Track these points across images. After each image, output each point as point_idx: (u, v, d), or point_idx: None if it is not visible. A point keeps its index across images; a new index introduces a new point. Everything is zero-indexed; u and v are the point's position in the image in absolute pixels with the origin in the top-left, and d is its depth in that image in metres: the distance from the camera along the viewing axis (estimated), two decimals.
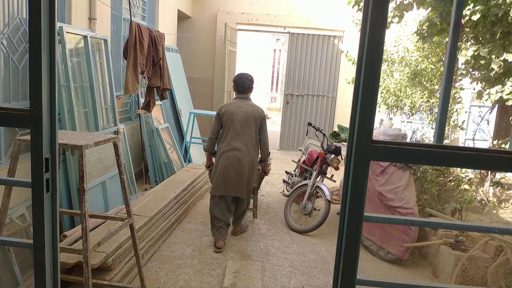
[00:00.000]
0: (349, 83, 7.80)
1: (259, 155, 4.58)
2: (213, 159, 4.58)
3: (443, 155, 1.17)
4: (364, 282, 1.33)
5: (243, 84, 4.42)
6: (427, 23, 4.58)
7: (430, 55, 6.19)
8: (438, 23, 4.48)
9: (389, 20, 4.95)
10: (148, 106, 5.73)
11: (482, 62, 4.26)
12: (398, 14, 4.85)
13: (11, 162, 2.29)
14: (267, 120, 4.76)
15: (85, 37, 4.38)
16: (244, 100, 4.43)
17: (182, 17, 9.11)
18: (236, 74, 4.93)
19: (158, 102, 6.44)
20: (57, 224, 1.42)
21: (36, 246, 1.39)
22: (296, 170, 6.29)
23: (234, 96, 4.61)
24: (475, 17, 4.04)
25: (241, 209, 4.61)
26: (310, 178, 5.43)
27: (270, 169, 5.32)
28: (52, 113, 1.36)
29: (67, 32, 4.04)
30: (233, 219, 4.65)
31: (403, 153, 1.19)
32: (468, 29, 4.55)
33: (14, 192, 2.48)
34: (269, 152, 4.63)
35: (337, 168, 5.32)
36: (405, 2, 4.90)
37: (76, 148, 2.25)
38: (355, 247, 1.27)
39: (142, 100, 6.13)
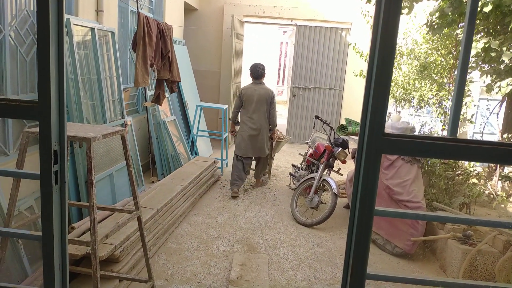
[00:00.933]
0: (356, 76, 7.73)
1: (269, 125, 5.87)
2: (236, 127, 6.10)
3: (457, 148, 1.15)
4: (374, 276, 1.31)
5: (257, 72, 5.70)
6: (438, 13, 4.50)
7: (439, 48, 6.10)
8: (450, 14, 4.41)
9: None
10: (158, 99, 5.73)
11: (493, 54, 4.20)
12: (408, 6, 4.79)
13: (19, 154, 2.30)
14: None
15: (92, 29, 4.37)
16: (258, 84, 5.72)
17: (188, 9, 9.07)
18: (250, 64, 5.95)
19: (166, 95, 6.43)
20: (66, 216, 1.42)
21: (45, 238, 1.39)
22: (303, 163, 6.27)
23: (251, 81, 5.85)
24: (486, 9, 3.97)
25: (261, 165, 6.11)
26: (316, 172, 5.42)
27: (276, 136, 6.55)
28: (61, 105, 1.35)
29: (74, 24, 4.03)
30: (254, 174, 6.28)
31: (416, 146, 1.17)
32: (478, 21, 4.48)
33: (22, 184, 2.49)
34: (276, 124, 5.96)
35: (344, 162, 5.30)
36: None
37: (84, 140, 2.25)
38: (365, 242, 1.26)
39: (149, 93, 6.13)
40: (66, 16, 3.98)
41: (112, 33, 4.85)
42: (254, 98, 5.58)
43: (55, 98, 1.32)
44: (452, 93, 5.79)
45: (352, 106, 9.72)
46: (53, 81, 1.31)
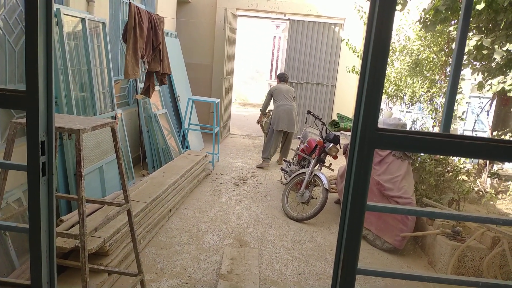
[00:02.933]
0: (349, 71, 7.73)
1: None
2: (263, 117, 7.89)
3: (450, 144, 1.14)
4: (365, 271, 1.31)
5: (283, 78, 7.67)
6: (432, 11, 4.51)
7: (432, 45, 6.12)
8: (443, 11, 4.42)
9: None
10: (147, 92, 5.67)
11: (485, 52, 4.22)
12: (401, 2, 4.78)
13: (7, 145, 2.26)
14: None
15: (83, 19, 4.31)
16: (284, 84, 7.60)
17: (181, 2, 8.99)
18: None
19: (156, 88, 6.38)
20: (54, 209, 1.40)
21: (32, 231, 1.36)
22: (294, 158, 6.27)
23: (277, 83, 7.75)
24: (479, 6, 3.99)
25: (288, 142, 7.56)
26: (308, 167, 5.42)
27: None
28: (49, 95, 1.32)
29: (64, 14, 3.96)
30: (281, 151, 7.64)
31: (409, 141, 1.16)
32: (471, 18, 4.49)
33: (10, 175, 2.45)
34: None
35: (335, 157, 5.30)
36: None
37: (73, 132, 2.21)
38: (356, 237, 1.25)
39: (140, 85, 6.07)
40: (56, 6, 3.91)
41: (103, 23, 4.79)
42: (283, 91, 7.41)
43: (43, 88, 1.29)
44: (444, 90, 5.84)
45: (344, 102, 9.74)
46: (41, 71, 1.28)
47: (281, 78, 7.77)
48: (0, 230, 2.85)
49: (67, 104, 4.03)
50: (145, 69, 5.65)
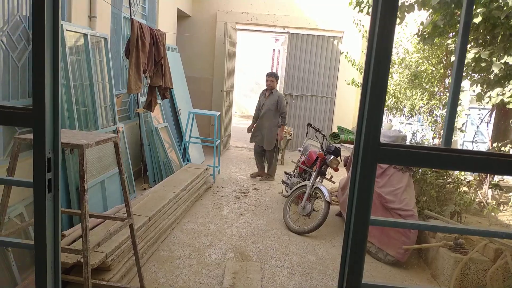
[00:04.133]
0: (348, 84, 7.79)
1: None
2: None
3: (452, 158, 1.16)
4: (369, 286, 1.31)
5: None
6: (431, 26, 4.57)
7: (430, 57, 6.18)
8: (442, 26, 4.48)
9: None
10: (150, 106, 5.71)
11: (483, 64, 4.26)
12: (399, 16, 4.85)
13: (10, 161, 2.27)
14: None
15: (85, 35, 4.36)
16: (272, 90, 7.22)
17: (182, 16, 9.09)
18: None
19: (158, 101, 6.41)
20: (59, 225, 1.41)
21: (37, 247, 1.37)
22: (295, 170, 6.28)
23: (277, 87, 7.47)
24: (476, 20, 4.04)
25: (269, 159, 7.34)
26: (309, 179, 5.42)
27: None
28: (55, 113, 1.34)
29: (67, 30, 4.01)
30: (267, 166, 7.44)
31: (411, 156, 1.17)
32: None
33: (12, 191, 2.46)
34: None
35: (336, 169, 5.31)
36: (406, 4, 4.89)
37: (76, 147, 2.23)
38: (361, 251, 1.26)
39: (141, 99, 6.11)
40: None
41: (105, 39, 4.84)
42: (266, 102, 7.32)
43: (50, 106, 1.31)
44: (443, 102, 5.88)
45: (344, 114, 9.78)
46: (48, 89, 1.30)
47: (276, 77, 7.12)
48: (3, 246, 2.84)
49: (69, 118, 4.05)
50: (147, 84, 5.69)
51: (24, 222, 3.31)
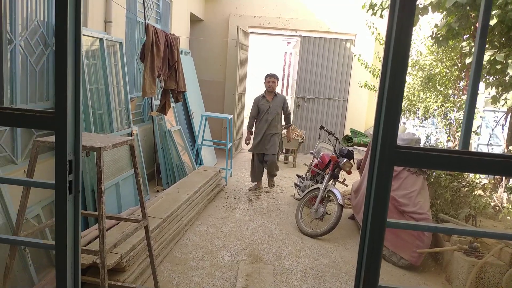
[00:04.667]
0: (361, 87, 7.77)
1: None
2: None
3: (469, 161, 1.16)
4: None
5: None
6: (446, 28, 4.54)
7: (444, 59, 6.13)
8: (456, 28, 4.45)
9: None
10: (163, 109, 5.76)
11: (498, 67, 4.22)
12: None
13: (29, 164, 2.32)
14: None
15: (100, 39, 4.43)
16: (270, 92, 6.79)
17: (194, 20, 9.17)
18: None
19: (172, 105, 6.48)
20: (79, 226, 1.43)
21: (58, 247, 1.40)
22: (308, 173, 6.27)
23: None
24: (492, 22, 4.00)
25: (269, 167, 6.69)
26: (321, 182, 5.41)
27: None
28: (77, 116, 1.37)
29: (83, 34, 4.08)
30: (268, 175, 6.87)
31: (428, 158, 1.18)
32: None
33: (30, 192, 2.51)
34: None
35: (349, 172, 5.30)
36: (420, 6, 4.87)
37: (94, 150, 2.27)
38: (377, 253, 1.26)
39: (155, 103, 6.17)
40: None
41: (120, 43, 4.91)
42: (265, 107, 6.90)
43: (72, 109, 1.35)
44: (457, 105, 5.82)
45: (357, 117, 9.75)
46: (70, 92, 1.33)
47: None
48: (21, 247, 2.90)
49: (86, 121, 4.11)
50: (161, 87, 5.75)
51: (41, 223, 3.36)
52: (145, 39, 5.07)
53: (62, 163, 1.35)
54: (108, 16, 4.78)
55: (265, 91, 6.46)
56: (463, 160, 1.15)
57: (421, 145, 5.33)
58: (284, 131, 7.00)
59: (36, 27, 3.57)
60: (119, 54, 4.90)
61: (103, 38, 4.44)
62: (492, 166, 1.15)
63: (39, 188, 3.49)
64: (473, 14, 4.49)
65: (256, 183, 6.74)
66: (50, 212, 3.71)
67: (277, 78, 6.45)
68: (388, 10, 1.20)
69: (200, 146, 7.21)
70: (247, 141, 6.60)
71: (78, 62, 1.35)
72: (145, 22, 5.36)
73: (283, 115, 6.58)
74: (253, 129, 6.51)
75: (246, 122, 12.15)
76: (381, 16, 5.27)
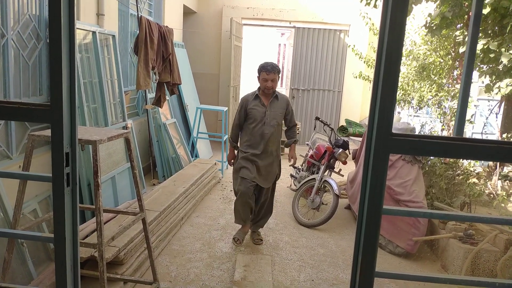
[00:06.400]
0: (356, 77, 7.78)
1: None
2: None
3: (463, 147, 1.17)
4: (383, 274, 1.34)
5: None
6: (439, 18, 4.55)
7: (438, 49, 6.15)
8: (450, 17, 4.45)
9: None
10: (159, 102, 5.75)
11: (492, 55, 4.23)
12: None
13: (25, 158, 2.31)
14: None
15: (93, 32, 4.40)
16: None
17: (187, 12, 9.10)
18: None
19: (166, 97, 6.46)
20: (77, 218, 1.44)
21: (57, 240, 1.41)
22: (304, 164, 6.29)
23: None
24: (485, 11, 4.01)
25: (262, 206, 4.57)
26: (317, 173, 5.44)
27: None
28: (72, 108, 1.37)
29: (76, 28, 4.05)
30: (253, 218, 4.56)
31: (423, 145, 1.19)
32: None
33: (26, 187, 2.51)
34: None
35: (345, 163, 5.32)
36: None
37: (90, 143, 2.26)
38: (374, 240, 1.28)
39: (149, 96, 6.15)
40: None
41: (113, 36, 4.87)
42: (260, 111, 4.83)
43: (67, 102, 1.34)
44: (452, 94, 5.85)
45: (351, 107, 9.77)
46: (65, 85, 1.33)
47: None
48: (18, 242, 2.90)
49: (80, 115, 4.10)
50: (156, 80, 5.73)
51: (38, 218, 3.36)
52: (138, 31, 5.04)
53: (59, 156, 1.35)
54: (100, 9, 4.75)
55: (259, 89, 4.22)
56: (457, 146, 1.16)
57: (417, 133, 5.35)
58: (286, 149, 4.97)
59: (28, 20, 3.54)
60: (112, 47, 4.87)
61: (95, 31, 4.41)
62: (486, 152, 1.16)
63: (35, 183, 3.49)
64: (466, 3, 4.50)
65: (242, 226, 4.37)
66: (46, 207, 3.71)
67: (279, 72, 4.14)
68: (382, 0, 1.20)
69: (195, 138, 7.20)
70: (231, 161, 4.42)
71: (73, 55, 1.35)
72: (138, 14, 5.32)
73: (284, 126, 4.58)
74: (248, 142, 4.23)
75: None
76: (375, 6, 5.26)
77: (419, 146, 1.19)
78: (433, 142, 1.18)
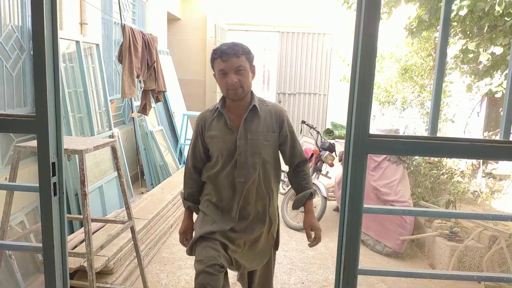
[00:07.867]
0: (341, 80, 7.88)
1: None
2: None
3: (438, 146, 1.22)
4: (366, 271, 1.37)
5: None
6: (417, 20, 4.65)
7: (419, 50, 6.27)
8: (427, 19, 4.56)
9: None
10: (144, 109, 5.75)
11: (471, 55, 4.35)
12: (387, 11, 4.92)
13: (11, 170, 2.31)
14: None
15: (77, 42, 4.40)
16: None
17: (171, 19, 9.12)
18: None
19: (152, 105, 6.46)
20: (65, 227, 1.45)
21: (45, 249, 1.42)
22: None
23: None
24: (462, 12, 4.12)
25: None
26: None
27: None
28: (57, 118, 1.39)
29: (60, 38, 4.04)
30: None
31: (400, 145, 1.24)
32: (456, 23, 4.64)
33: (13, 199, 2.50)
34: None
35: (332, 165, 5.38)
36: None
37: (76, 153, 2.27)
38: (356, 238, 1.32)
39: (135, 104, 6.14)
40: None
41: (97, 45, 4.88)
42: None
43: (52, 111, 1.36)
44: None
45: (338, 110, 9.86)
46: (49, 95, 1.35)
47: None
48: (6, 254, 2.88)
49: (66, 125, 4.08)
50: (141, 88, 5.74)
51: (26, 229, 3.34)
52: (122, 40, 5.05)
53: (45, 166, 1.37)
54: (83, 18, 4.74)
55: (223, 98, 2.33)
56: (432, 145, 1.21)
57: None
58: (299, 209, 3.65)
59: (10, 31, 3.53)
60: (96, 56, 4.87)
61: (79, 41, 4.41)
62: (458, 149, 1.21)
63: (22, 195, 3.46)
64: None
65: None
66: (34, 218, 3.69)
67: (248, 53, 2.22)
68: (356, 3, 1.25)
69: (183, 145, 7.20)
70: (186, 237, 2.59)
71: (57, 64, 1.37)
72: (121, 23, 5.33)
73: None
74: (210, 199, 2.41)
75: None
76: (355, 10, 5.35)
77: (396, 146, 1.24)
78: (408, 142, 1.22)
